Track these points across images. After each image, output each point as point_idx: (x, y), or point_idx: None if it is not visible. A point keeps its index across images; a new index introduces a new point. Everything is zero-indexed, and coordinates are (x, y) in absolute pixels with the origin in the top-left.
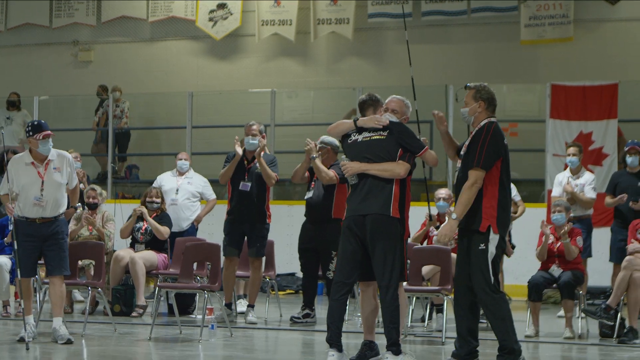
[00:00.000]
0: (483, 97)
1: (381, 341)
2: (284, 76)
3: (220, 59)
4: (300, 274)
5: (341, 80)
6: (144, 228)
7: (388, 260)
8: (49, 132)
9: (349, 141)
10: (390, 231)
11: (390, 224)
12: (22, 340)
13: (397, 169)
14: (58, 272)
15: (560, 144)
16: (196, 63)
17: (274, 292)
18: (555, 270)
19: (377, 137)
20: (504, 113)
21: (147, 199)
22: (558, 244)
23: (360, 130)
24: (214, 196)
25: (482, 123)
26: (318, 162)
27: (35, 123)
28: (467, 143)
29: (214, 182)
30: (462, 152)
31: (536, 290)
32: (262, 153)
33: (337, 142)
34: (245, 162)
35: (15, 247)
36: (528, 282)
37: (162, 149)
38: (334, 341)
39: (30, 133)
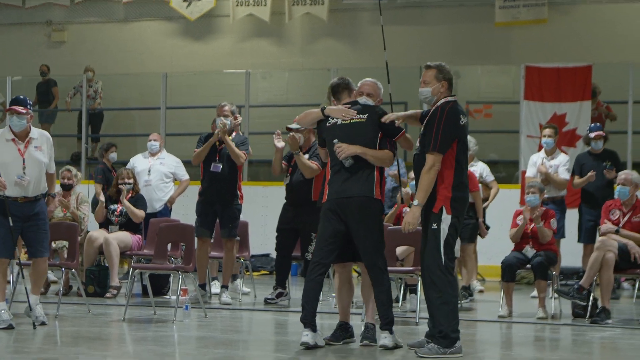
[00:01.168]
0: (446, 78)
1: (354, 322)
2: (259, 57)
3: (195, 40)
4: (274, 255)
5: (316, 61)
6: (118, 210)
7: (375, 240)
8: (15, 107)
9: (327, 124)
10: (375, 213)
11: (375, 206)
12: None
13: (387, 160)
14: (41, 254)
15: (534, 126)
16: (170, 44)
17: (248, 273)
18: (529, 251)
19: (358, 120)
20: (478, 94)
21: (119, 180)
22: (532, 225)
23: None
24: (187, 177)
25: (439, 103)
26: (302, 157)
27: (14, 98)
28: (424, 123)
29: (188, 163)
30: (421, 131)
31: (509, 271)
32: (235, 134)
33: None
34: (217, 143)
35: None
36: (501, 262)
37: (136, 130)
38: (308, 321)
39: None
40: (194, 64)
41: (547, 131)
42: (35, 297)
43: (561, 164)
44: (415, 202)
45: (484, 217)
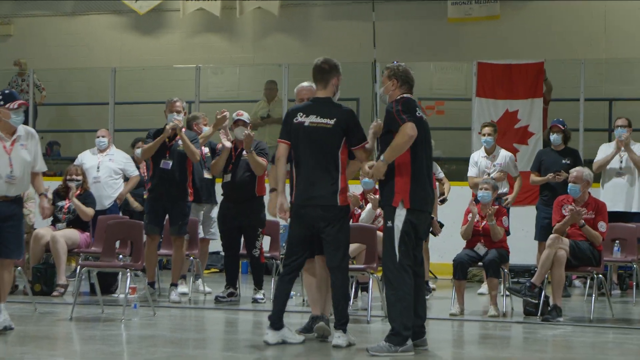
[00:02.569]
0: (396, 75)
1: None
2: (209, 52)
3: (144, 34)
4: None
5: (267, 57)
6: (66, 207)
7: (340, 244)
8: (23, 101)
9: (294, 121)
10: (341, 217)
11: (340, 210)
12: None
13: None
14: (16, 256)
15: None
16: (119, 38)
17: (207, 273)
18: (481, 248)
19: (324, 125)
20: (431, 91)
21: (68, 177)
22: (483, 223)
23: (307, 111)
24: (136, 172)
25: (394, 99)
26: (255, 156)
27: (7, 92)
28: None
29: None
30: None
31: (461, 269)
32: (184, 130)
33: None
34: (167, 140)
35: None
36: (453, 260)
37: (83, 125)
38: (274, 320)
39: (1, 102)
40: (143, 58)
41: (486, 130)
42: (3, 305)
43: (504, 162)
44: (382, 158)
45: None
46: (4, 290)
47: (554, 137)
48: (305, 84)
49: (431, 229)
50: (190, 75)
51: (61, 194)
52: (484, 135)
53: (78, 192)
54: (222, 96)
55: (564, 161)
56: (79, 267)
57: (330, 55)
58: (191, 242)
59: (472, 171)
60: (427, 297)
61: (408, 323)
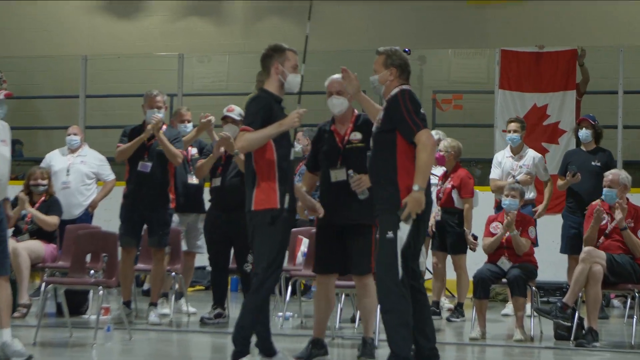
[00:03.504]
0: (395, 63)
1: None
2: (194, 38)
3: (119, 18)
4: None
5: (260, 44)
6: (29, 216)
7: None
8: (8, 91)
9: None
10: (258, 224)
11: (257, 217)
12: None
13: None
14: (4, 272)
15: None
16: (91, 22)
17: (191, 291)
18: (505, 263)
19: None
20: (448, 83)
21: (32, 182)
22: (507, 234)
23: None
24: (112, 177)
25: (394, 92)
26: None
27: None
28: (379, 117)
29: (111, 160)
30: (374, 128)
31: (482, 286)
32: (165, 127)
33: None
34: (145, 139)
35: None
36: (473, 276)
37: (50, 121)
38: (263, 347)
39: None
40: (118, 46)
41: (512, 125)
42: (7, 330)
43: (532, 164)
44: (416, 186)
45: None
46: (6, 313)
47: (583, 133)
48: (335, 76)
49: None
50: (172, 64)
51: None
52: (510, 132)
53: (42, 198)
54: (209, 88)
55: (593, 163)
56: (43, 284)
57: (333, 42)
58: (173, 256)
59: (494, 173)
60: (457, 320)
61: (410, 350)
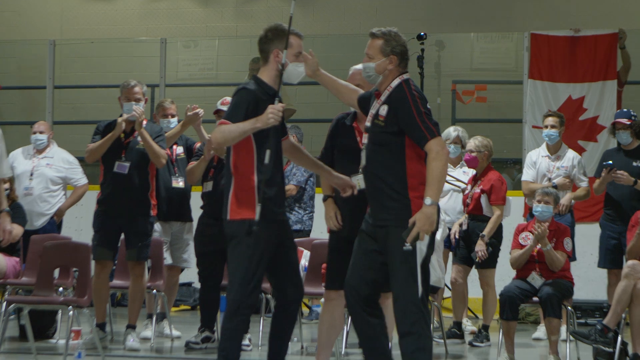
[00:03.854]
0: (395, 51)
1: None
2: (179, 20)
3: None
4: (198, 285)
5: (254, 27)
6: None
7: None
8: None
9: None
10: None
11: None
12: None
13: None
14: None
15: (542, 113)
16: (59, 2)
17: (175, 310)
18: (536, 279)
19: None
20: (469, 72)
21: None
22: (538, 246)
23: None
24: (84, 181)
25: (395, 84)
26: None
27: None
28: (375, 112)
29: (82, 161)
30: (367, 124)
31: (511, 306)
32: (145, 123)
33: None
34: (122, 136)
35: None
36: (500, 294)
37: (12, 115)
38: None
39: None
40: (91, 29)
41: (549, 120)
42: None
43: (570, 165)
44: (428, 200)
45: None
46: None
47: (620, 136)
48: (358, 66)
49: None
50: (153, 50)
51: None
52: (547, 127)
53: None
54: (196, 77)
55: (635, 164)
56: (4, 303)
57: (339, 26)
58: (155, 271)
59: (527, 174)
60: (481, 344)
61: None
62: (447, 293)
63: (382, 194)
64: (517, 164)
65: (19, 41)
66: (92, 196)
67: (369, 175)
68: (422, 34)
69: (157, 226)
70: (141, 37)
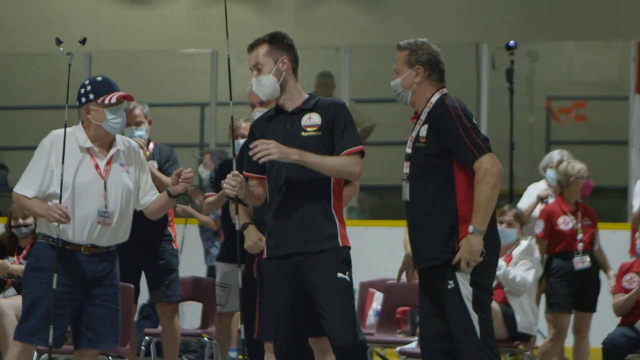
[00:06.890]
0: (421, 60)
1: None
2: (232, 30)
3: (132, 5)
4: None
5: (318, 37)
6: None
7: None
8: (125, 93)
9: None
10: None
11: None
12: None
13: None
14: (108, 344)
15: None
16: (95, 10)
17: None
18: None
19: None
20: (567, 86)
21: (13, 222)
22: None
23: None
24: None
25: (434, 100)
26: None
27: (99, 79)
28: (415, 134)
29: None
30: (408, 150)
31: (616, 356)
32: (152, 145)
33: None
34: None
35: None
36: (603, 342)
37: (39, 137)
38: None
39: (91, 96)
40: (131, 39)
41: None
42: None
43: None
44: (471, 228)
45: None
46: None
47: None
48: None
49: None
50: (203, 64)
51: (8, 246)
52: None
53: (29, 244)
54: None
55: None
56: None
57: (407, 33)
58: (206, 315)
59: (639, 202)
60: None
61: None
62: (538, 339)
63: (427, 225)
64: (622, 192)
65: (50, 54)
66: None
67: (417, 210)
68: (511, 43)
69: (220, 266)
70: (189, 49)
